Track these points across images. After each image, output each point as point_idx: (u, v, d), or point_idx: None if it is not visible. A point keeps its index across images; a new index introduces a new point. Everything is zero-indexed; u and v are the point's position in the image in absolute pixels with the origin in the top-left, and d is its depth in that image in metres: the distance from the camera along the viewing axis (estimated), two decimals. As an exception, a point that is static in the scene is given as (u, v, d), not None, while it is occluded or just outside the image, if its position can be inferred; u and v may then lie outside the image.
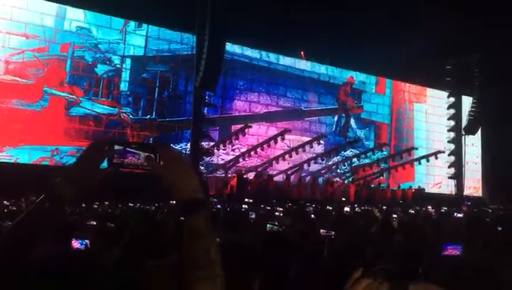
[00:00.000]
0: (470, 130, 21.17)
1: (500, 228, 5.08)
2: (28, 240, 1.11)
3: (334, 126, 21.09)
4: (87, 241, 3.14)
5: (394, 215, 7.53)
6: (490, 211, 12.31)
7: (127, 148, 1.16)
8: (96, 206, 9.59)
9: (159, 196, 10.71)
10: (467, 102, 21.87)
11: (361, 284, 1.05)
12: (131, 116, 16.68)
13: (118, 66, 16.70)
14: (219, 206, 10.43)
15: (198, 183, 1.16)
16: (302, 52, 19.73)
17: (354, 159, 20.36)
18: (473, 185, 23.88)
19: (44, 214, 1.12)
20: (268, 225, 4.76)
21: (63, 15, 15.81)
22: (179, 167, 1.14)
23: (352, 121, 21.47)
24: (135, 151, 1.16)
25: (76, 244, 3.09)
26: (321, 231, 4.16)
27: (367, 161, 20.36)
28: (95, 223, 5.04)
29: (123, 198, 10.68)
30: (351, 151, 20.44)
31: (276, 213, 7.73)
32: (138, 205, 10.25)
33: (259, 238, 3.14)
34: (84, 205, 9.53)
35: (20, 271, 1.09)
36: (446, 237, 3.98)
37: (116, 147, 1.16)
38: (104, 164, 1.16)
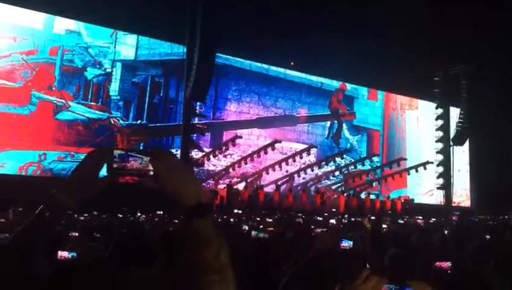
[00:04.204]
0: (458, 141, 21.40)
1: (488, 237, 5.13)
2: (29, 252, 1.11)
3: (327, 132, 21.15)
4: (74, 254, 3.10)
5: (384, 226, 7.57)
6: (477, 220, 12.44)
7: (129, 153, 1.14)
8: (83, 218, 9.46)
9: (148, 207, 10.73)
10: (455, 113, 22.15)
11: (372, 281, 1.10)
12: (121, 121, 16.54)
13: (108, 70, 16.57)
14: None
15: (201, 189, 1.17)
16: (291, 63, 19.81)
17: (345, 169, 20.45)
18: (465, 193, 24.11)
19: (44, 225, 1.12)
20: (253, 232, 4.75)
21: (52, 19, 15.68)
22: (183, 172, 1.13)
23: (344, 128, 21.57)
24: (137, 155, 1.14)
25: (64, 254, 3.07)
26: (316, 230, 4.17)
27: (359, 167, 20.44)
28: (77, 234, 4.94)
29: (112, 209, 10.57)
30: (342, 159, 20.48)
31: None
32: (128, 215, 10.19)
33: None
34: (76, 215, 9.44)
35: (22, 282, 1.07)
36: (435, 248, 3.98)
37: (117, 152, 1.13)
38: (104, 172, 1.14)
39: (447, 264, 2.80)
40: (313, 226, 7.09)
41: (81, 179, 1.15)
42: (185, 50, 15.17)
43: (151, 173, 1.13)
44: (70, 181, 1.15)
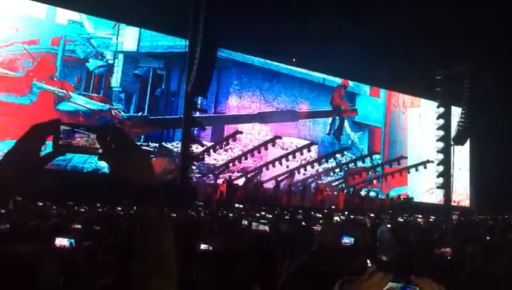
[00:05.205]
0: (459, 140, 21.32)
1: (488, 238, 5.10)
2: None
3: (328, 128, 21.07)
4: (72, 240, 3.09)
5: (388, 225, 7.52)
6: (477, 220, 12.42)
7: (75, 129, 1.07)
8: (83, 210, 9.43)
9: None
10: (456, 112, 22.06)
11: (377, 277, 1.06)
12: (122, 113, 16.50)
13: (110, 61, 16.51)
14: (207, 211, 10.41)
15: (153, 171, 1.08)
16: (294, 60, 19.68)
17: (345, 166, 20.40)
18: (465, 192, 24.05)
19: None
20: (254, 223, 4.70)
21: (54, 9, 15.59)
22: (132, 152, 1.06)
23: (346, 124, 21.49)
24: (84, 132, 1.06)
25: (63, 242, 3.06)
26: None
27: (359, 165, 20.39)
28: (79, 226, 4.92)
29: (113, 201, 10.54)
30: (343, 156, 20.42)
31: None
32: (128, 208, 10.16)
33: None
34: (75, 207, 9.46)
35: None
36: (434, 246, 3.97)
37: (63, 127, 1.06)
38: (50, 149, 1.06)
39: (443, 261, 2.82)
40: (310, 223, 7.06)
41: (21, 152, 1.03)
42: (187, 44, 15.09)
43: (100, 151, 1.06)
44: (9, 154, 1.03)
